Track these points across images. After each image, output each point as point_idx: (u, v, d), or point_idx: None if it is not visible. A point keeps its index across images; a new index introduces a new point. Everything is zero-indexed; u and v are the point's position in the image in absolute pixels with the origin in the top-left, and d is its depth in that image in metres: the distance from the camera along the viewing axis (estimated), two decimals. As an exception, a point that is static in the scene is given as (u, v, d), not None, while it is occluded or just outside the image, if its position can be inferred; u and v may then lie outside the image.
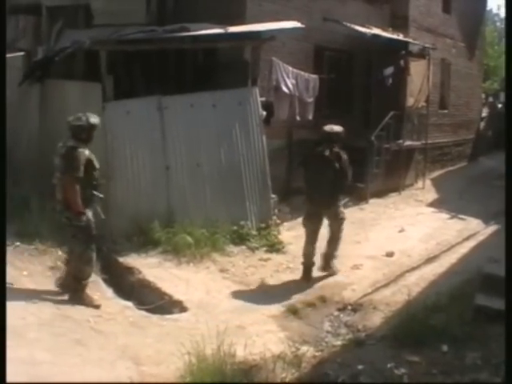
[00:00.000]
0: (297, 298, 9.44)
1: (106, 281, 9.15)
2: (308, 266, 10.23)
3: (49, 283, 8.37)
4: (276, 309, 9.00)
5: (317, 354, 7.55)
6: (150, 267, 9.74)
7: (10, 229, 9.67)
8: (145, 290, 9.06)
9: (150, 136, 10.67)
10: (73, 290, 7.93)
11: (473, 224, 15.14)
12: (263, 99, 12.36)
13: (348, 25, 15.12)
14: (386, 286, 10.51)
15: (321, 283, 10.26)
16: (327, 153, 9.95)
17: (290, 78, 13.61)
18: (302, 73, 14.13)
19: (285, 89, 13.48)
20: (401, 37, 17.61)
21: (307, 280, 10.14)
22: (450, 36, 22.25)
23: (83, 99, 10.73)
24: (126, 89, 11.37)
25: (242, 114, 11.79)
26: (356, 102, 17.67)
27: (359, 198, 16.18)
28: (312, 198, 10.07)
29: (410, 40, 17.89)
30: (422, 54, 18.58)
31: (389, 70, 17.10)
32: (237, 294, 9.40)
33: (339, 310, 9.47)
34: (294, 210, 13.91)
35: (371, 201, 16.45)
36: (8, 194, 10.22)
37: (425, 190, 19.18)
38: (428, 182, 19.84)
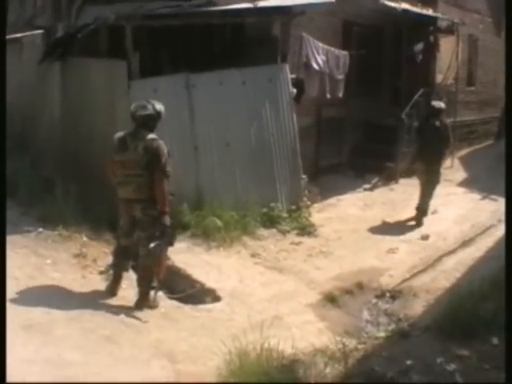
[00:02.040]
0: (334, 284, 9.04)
1: (133, 268, 8.70)
2: (422, 213, 12.65)
3: (74, 272, 7.93)
4: (313, 297, 8.59)
5: (360, 346, 7.10)
6: (179, 252, 9.26)
7: (32, 213, 9.33)
8: (175, 278, 8.62)
9: (177, 115, 10.16)
10: (142, 292, 7.34)
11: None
12: (293, 76, 11.85)
13: (378, -1, 14.54)
14: (423, 271, 10.15)
15: (357, 268, 9.87)
16: (438, 123, 12.45)
17: (321, 55, 13.08)
18: (333, 49, 13.59)
19: (315, 65, 12.95)
20: (430, 12, 17.00)
21: (419, 225, 12.48)
22: (477, 11, 21.59)
23: (108, 77, 10.27)
24: (151, 66, 10.85)
25: (272, 92, 11.30)
26: (384, 78, 17.14)
27: (389, 177, 15.73)
28: (425, 158, 12.47)
29: (439, 15, 17.30)
30: (450, 30, 17.98)
31: (419, 47, 16.61)
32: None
33: (377, 297, 9.10)
34: (324, 190, 13.51)
35: (400, 181, 15.95)
36: (28, 175, 9.87)
37: (453, 168, 18.65)
38: (456, 161, 19.29)
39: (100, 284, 7.70)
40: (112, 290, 7.46)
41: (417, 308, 8.57)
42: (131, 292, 7.56)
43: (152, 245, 7.14)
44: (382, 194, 14.96)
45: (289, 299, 8.39)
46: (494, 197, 15.23)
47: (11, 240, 8.06)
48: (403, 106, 16.07)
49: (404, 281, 9.64)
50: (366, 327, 8.12)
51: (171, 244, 7.43)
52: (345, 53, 14.02)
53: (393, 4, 14.89)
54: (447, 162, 18.78)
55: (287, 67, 11.58)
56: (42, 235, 8.64)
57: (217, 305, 7.89)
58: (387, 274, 9.82)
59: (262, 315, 7.59)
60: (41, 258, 7.97)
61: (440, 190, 15.60)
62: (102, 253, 8.73)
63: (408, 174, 16.26)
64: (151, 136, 7.09)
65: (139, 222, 7.20)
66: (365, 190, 15.06)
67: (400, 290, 9.27)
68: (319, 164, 14.64)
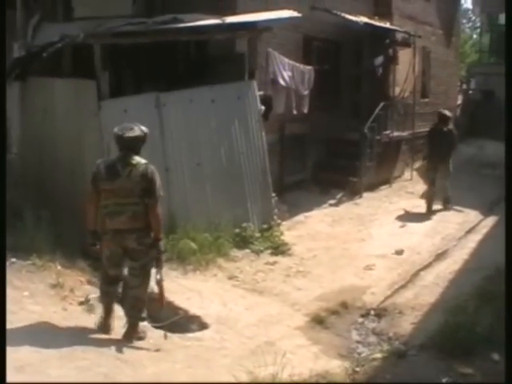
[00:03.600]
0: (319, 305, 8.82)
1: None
2: (430, 203, 14.82)
3: (53, 304, 7.47)
4: (300, 319, 8.34)
5: (358, 369, 6.87)
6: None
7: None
8: (155, 305, 8.24)
9: (148, 136, 9.83)
10: (131, 323, 6.91)
11: (471, 216, 14.72)
12: (261, 93, 11.61)
13: (339, 13, 14.42)
14: (404, 287, 10.04)
15: (338, 287, 9.67)
16: (445, 129, 14.73)
17: (287, 70, 12.90)
18: (298, 64, 13.44)
19: (282, 81, 12.76)
20: (388, 25, 17.01)
21: (430, 213, 14.62)
22: (429, 23, 21.76)
23: (76, 97, 9.88)
24: (114, 86, 10.46)
25: (241, 110, 11.04)
26: (344, 93, 17.05)
27: (353, 192, 15.66)
28: (433, 158, 14.79)
29: (398, 28, 17.29)
30: (407, 43, 18.02)
31: (379, 60, 16.54)
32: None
33: (363, 316, 8.91)
34: (290, 207, 13.33)
35: (364, 195, 15.88)
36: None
37: (413, 181, 18.71)
38: (414, 173, 19.33)
39: (82, 315, 7.31)
40: (106, 326, 6.90)
41: (405, 326, 8.38)
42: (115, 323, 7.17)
43: (158, 276, 6.83)
44: (348, 209, 14.84)
45: (276, 323, 8.12)
46: (458, 208, 15.22)
47: (-17, 272, 7.64)
48: (363, 119, 16.01)
49: (387, 298, 9.48)
50: (357, 348, 7.89)
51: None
52: (309, 68, 13.89)
53: (354, 18, 14.80)
54: (406, 175, 18.89)
55: (255, 84, 11.33)
56: (16, 265, 8.14)
57: (205, 332, 7.55)
58: (369, 291, 9.66)
59: (254, 341, 7.35)
60: (18, 291, 7.49)
61: (404, 203, 15.68)
62: (78, 282, 8.33)
63: (371, 187, 16.26)
64: (144, 161, 6.67)
65: (132, 252, 6.71)
66: (330, 205, 14.93)
67: (384, 307, 9.10)
68: (284, 181, 14.42)
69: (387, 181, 17.41)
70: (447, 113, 15.22)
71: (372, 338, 8.20)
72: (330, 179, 15.59)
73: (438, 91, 23.16)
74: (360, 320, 8.77)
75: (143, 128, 6.87)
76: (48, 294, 7.71)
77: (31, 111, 10.89)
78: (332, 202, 15.08)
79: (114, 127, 9.29)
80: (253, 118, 11.20)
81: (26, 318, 6.78)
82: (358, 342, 8.10)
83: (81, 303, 7.67)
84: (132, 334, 6.85)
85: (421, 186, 18.10)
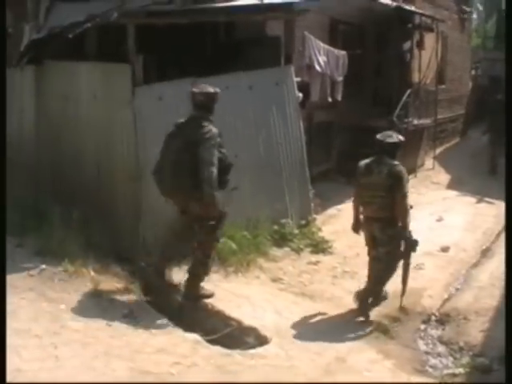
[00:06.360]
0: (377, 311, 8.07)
1: (151, 304, 7.49)
2: (494, 164, 17.60)
3: (95, 319, 6.60)
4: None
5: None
6: (198, 282, 8.13)
7: (28, 245, 8.00)
8: (201, 314, 7.46)
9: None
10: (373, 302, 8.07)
11: (503, 208, 13.95)
12: (298, 79, 10.77)
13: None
14: (460, 289, 9.28)
15: (392, 290, 8.87)
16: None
17: (322, 55, 12.10)
18: (332, 49, 12.60)
19: (317, 67, 11.96)
20: (413, 9, 16.23)
21: (494, 173, 17.25)
22: (445, 7, 21.02)
23: (103, 84, 8.93)
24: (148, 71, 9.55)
25: (279, 97, 10.17)
26: (368, 79, 16.23)
27: (382, 183, 14.80)
28: (493, 127, 17.48)
29: (425, 13, 16.56)
30: (430, 27, 17.22)
31: (407, 45, 15.75)
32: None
33: (424, 322, 8.17)
34: (321, 199, 12.52)
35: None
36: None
37: (435, 170, 18.04)
38: (435, 162, 18.64)
39: (129, 331, 6.46)
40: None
41: (474, 334, 7.72)
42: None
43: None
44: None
45: (339, 334, 7.31)
46: (488, 199, 14.58)
47: (12, 281, 6.82)
48: (387, 106, 15.28)
49: (445, 301, 8.82)
50: (428, 360, 7.15)
51: (414, 250, 8.08)
52: (343, 53, 13.08)
53: (386, 1, 13.98)
54: (427, 164, 18.19)
55: (292, 70, 10.47)
56: (46, 273, 7.28)
57: (268, 348, 6.68)
58: (426, 294, 8.95)
59: (323, 357, 6.57)
60: (53, 304, 6.62)
61: (432, 195, 15.02)
62: (115, 289, 7.47)
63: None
64: (394, 162, 7.79)
65: (377, 240, 8.01)
66: (361, 197, 14.12)
67: (446, 312, 8.42)
68: (313, 171, 13.55)
69: (412, 170, 16.59)
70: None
71: (440, 348, 7.51)
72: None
73: (453, 77, 22.52)
74: (422, 327, 8.04)
75: (400, 137, 8.11)
76: (86, 305, 6.84)
77: (48, 98, 9.99)
78: (362, 193, 14.28)
79: (148, 116, 8.57)
80: (291, 106, 10.36)
81: (70, 339, 5.92)
82: (427, 352, 7.38)
83: (125, 316, 6.82)
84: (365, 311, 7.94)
85: (444, 176, 17.49)
